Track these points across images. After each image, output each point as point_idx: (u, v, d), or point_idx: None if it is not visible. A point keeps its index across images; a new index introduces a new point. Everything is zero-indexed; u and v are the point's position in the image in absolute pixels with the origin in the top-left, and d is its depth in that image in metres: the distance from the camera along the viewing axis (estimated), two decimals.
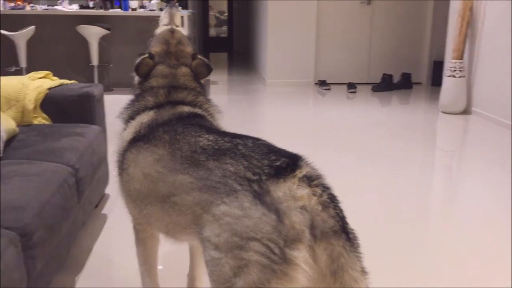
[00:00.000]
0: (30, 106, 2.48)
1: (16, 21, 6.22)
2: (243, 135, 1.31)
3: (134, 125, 1.50)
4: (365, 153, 4.01)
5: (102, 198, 2.79)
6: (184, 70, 1.62)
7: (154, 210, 1.36)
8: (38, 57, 6.45)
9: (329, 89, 6.99)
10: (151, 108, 1.52)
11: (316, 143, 4.44)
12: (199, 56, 1.66)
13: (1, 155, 1.98)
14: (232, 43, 13.41)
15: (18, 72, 6.08)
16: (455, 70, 5.32)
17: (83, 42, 6.41)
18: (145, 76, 1.62)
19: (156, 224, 1.41)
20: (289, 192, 1.11)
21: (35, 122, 2.52)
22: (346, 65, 7.36)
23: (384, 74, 7.03)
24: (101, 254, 2.29)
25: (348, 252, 1.10)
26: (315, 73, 7.31)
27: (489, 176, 3.45)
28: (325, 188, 1.15)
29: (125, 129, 1.55)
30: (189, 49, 1.66)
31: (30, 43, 6.17)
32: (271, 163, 1.16)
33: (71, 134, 2.32)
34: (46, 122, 2.55)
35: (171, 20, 1.78)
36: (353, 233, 1.14)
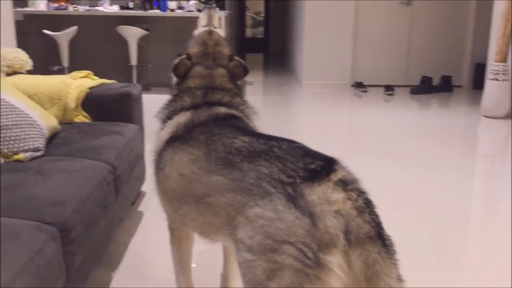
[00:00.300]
0: (72, 104, 2.55)
1: (59, 22, 6.42)
2: (278, 137, 1.31)
3: (171, 125, 1.52)
4: (402, 157, 3.93)
5: (138, 196, 2.84)
6: (221, 71, 1.63)
7: (189, 210, 1.37)
8: (79, 56, 6.63)
9: (366, 91, 6.90)
10: (188, 109, 1.54)
11: (352, 146, 4.38)
12: (236, 58, 1.67)
13: (43, 151, 2.04)
14: (269, 44, 13.42)
15: (61, 71, 6.27)
16: (498, 73, 5.16)
17: (123, 42, 6.54)
18: (183, 76, 1.64)
19: (190, 224, 1.42)
20: (323, 195, 1.10)
21: (76, 120, 2.59)
22: (384, 66, 7.25)
23: (423, 77, 6.88)
24: (137, 251, 2.33)
25: (384, 259, 1.08)
26: (352, 75, 7.23)
27: None
28: (361, 193, 1.13)
29: (162, 129, 1.57)
30: (226, 50, 1.67)
31: (72, 43, 6.34)
32: (305, 166, 1.15)
33: (110, 133, 2.37)
34: (87, 121, 2.62)
35: (210, 21, 1.79)
36: (390, 240, 1.11)
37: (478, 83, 6.65)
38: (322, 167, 1.14)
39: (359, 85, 7.00)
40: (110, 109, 2.64)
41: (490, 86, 5.25)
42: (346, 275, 1.07)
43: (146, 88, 6.71)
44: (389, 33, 7.15)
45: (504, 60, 5.19)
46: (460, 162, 3.91)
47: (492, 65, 5.25)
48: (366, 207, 1.11)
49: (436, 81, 6.96)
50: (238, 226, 1.18)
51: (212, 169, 1.28)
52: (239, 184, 1.20)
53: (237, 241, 1.18)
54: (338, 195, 1.10)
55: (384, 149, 4.14)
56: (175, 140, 1.45)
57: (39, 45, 6.58)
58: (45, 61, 6.63)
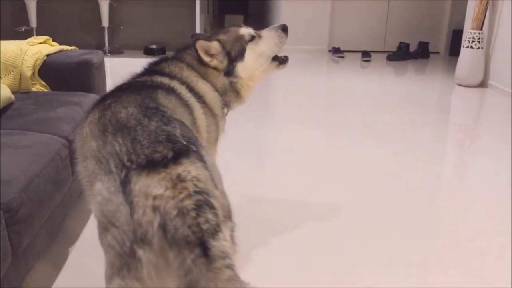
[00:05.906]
0: (28, 72, 2.44)
1: None
2: (164, 115, 1.28)
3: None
4: (375, 125, 3.91)
5: None
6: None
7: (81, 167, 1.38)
8: (48, 17, 6.37)
9: (343, 56, 6.82)
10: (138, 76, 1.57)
11: (326, 114, 4.34)
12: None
13: None
14: (248, 5, 13.11)
15: (29, 32, 6.03)
16: (473, 41, 5.13)
17: (94, 3, 6.30)
18: None
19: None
20: (144, 188, 1.05)
21: (33, 89, 2.48)
22: (362, 32, 7.16)
23: (400, 43, 6.82)
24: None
25: (201, 269, 0.98)
26: (330, 40, 7.13)
27: (503, 152, 3.34)
28: (196, 193, 1.04)
29: None
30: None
31: (40, 3, 6.08)
32: (150, 153, 1.11)
33: (67, 103, 2.28)
34: (45, 90, 2.51)
35: None
36: (217, 249, 1.00)
37: (455, 50, 6.62)
38: (164, 157, 1.09)
39: (336, 51, 6.92)
40: (69, 77, 2.53)
41: (464, 54, 5.22)
42: (159, 274, 1.04)
43: (118, 51, 6.52)
44: None
45: (480, 27, 5.13)
46: (433, 131, 3.91)
47: (468, 32, 5.20)
48: (194, 209, 1.02)
49: (413, 47, 6.91)
50: (91, 196, 1.20)
51: (94, 134, 1.28)
52: (98, 154, 1.20)
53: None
54: (160, 190, 1.04)
55: (355, 118, 4.10)
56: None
57: (5, 4, 6.30)
58: (12, 22, 6.37)
